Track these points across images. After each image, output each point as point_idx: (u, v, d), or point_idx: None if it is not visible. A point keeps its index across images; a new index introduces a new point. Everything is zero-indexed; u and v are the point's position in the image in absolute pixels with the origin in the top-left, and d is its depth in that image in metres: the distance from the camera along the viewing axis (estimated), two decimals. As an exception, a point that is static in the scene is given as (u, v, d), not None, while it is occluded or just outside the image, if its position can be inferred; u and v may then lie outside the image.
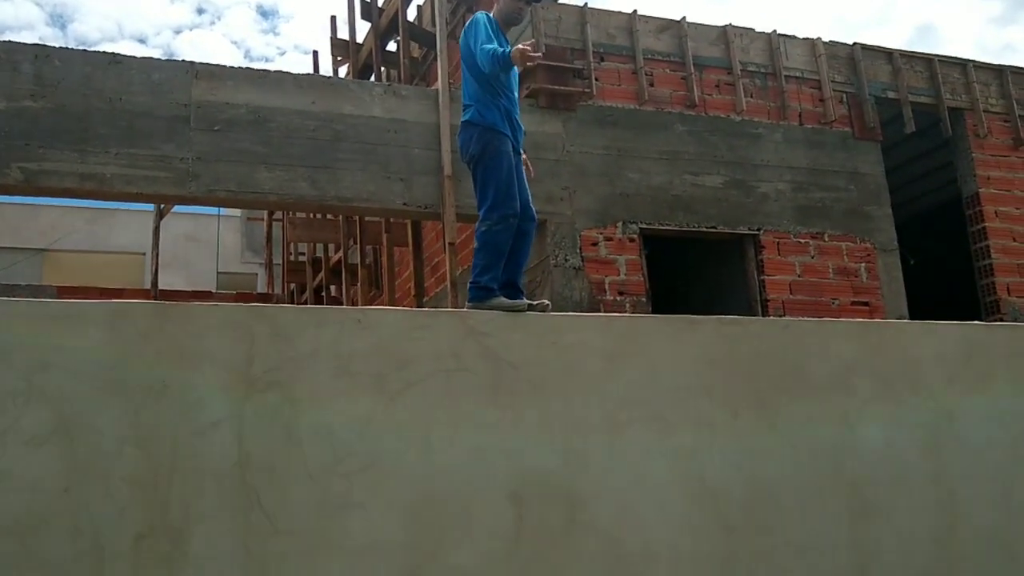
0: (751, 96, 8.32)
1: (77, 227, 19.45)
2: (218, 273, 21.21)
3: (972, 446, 4.96)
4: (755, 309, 7.74)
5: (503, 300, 4.38)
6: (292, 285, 12.71)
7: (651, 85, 7.90)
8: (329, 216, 10.29)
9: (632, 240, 7.37)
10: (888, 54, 9.21)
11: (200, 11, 54.33)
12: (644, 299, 7.25)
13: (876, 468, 4.71)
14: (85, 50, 6.14)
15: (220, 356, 3.73)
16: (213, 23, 53.70)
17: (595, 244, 7.25)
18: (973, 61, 9.61)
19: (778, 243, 7.95)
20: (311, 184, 6.45)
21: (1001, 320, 8.86)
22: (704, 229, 7.72)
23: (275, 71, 6.55)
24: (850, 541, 4.51)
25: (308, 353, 3.84)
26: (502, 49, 4.38)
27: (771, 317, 4.85)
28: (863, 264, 8.23)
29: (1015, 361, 5.25)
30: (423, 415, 3.93)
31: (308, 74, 6.63)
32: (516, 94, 4.68)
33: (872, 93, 8.86)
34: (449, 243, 6.72)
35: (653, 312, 7.42)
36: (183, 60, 6.34)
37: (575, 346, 4.31)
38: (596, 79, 7.70)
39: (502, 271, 4.53)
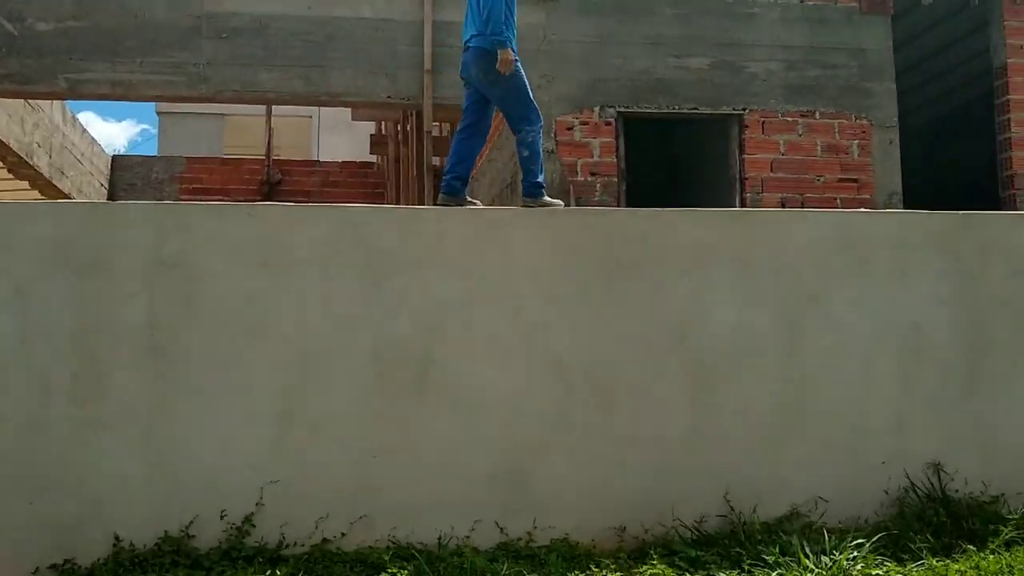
0: (748, -26, 8.38)
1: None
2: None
3: (833, 327, 5.36)
4: (734, 187, 8.13)
5: (547, 198, 5.51)
6: (378, 158, 13.76)
7: (640, -32, 8.14)
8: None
9: (608, 124, 7.87)
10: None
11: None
12: (616, 179, 7.81)
13: (724, 343, 5.25)
14: (115, -29, 7.26)
15: (138, 243, 4.83)
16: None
17: (570, 128, 7.82)
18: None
19: (763, 122, 8.19)
20: (305, 82, 7.41)
21: (1015, 196, 8.76)
22: (685, 111, 8.08)
23: (276, -18, 7.46)
24: (690, 402, 5.14)
25: (206, 239, 4.88)
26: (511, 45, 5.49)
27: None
28: (856, 141, 8.33)
29: (899, 250, 5.50)
30: (300, 291, 4.91)
31: (306, -20, 7.44)
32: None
33: (887, -39, 8.65)
34: (426, 131, 7.52)
35: (627, 192, 7.98)
36: (194, -26, 7.36)
37: (441, 234, 5.13)
38: (582, -34, 8.04)
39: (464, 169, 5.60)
